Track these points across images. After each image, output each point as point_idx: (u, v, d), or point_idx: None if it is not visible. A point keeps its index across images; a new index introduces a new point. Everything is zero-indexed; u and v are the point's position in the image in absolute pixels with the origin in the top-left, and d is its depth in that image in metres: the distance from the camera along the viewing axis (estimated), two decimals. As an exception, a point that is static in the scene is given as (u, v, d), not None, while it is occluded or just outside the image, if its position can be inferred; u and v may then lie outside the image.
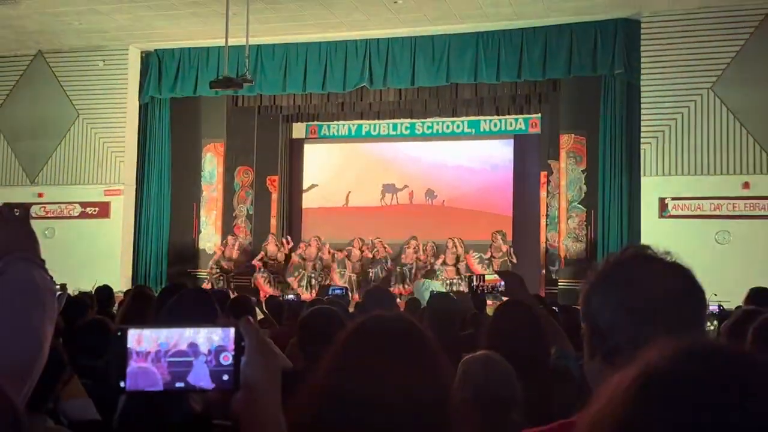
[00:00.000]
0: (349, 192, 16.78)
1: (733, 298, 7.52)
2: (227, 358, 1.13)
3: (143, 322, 4.45)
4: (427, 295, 8.41)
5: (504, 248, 14.12)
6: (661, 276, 1.42)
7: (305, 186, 17.16)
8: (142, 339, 1.12)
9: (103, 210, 14.93)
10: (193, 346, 1.13)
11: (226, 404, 2.28)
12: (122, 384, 1.11)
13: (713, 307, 7.92)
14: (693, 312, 1.42)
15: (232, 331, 1.13)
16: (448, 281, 13.94)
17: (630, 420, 0.66)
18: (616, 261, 1.48)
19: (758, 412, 0.64)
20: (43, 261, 1.45)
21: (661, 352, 0.70)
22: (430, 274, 14.04)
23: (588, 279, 1.47)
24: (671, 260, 1.50)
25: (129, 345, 1.11)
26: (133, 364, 1.11)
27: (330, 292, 9.44)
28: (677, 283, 1.43)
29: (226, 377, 1.12)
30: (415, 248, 14.67)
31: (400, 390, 1.35)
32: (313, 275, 14.67)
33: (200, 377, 1.13)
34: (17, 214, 1.47)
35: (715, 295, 9.11)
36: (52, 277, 1.45)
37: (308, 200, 17.10)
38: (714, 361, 0.68)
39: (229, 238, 15.28)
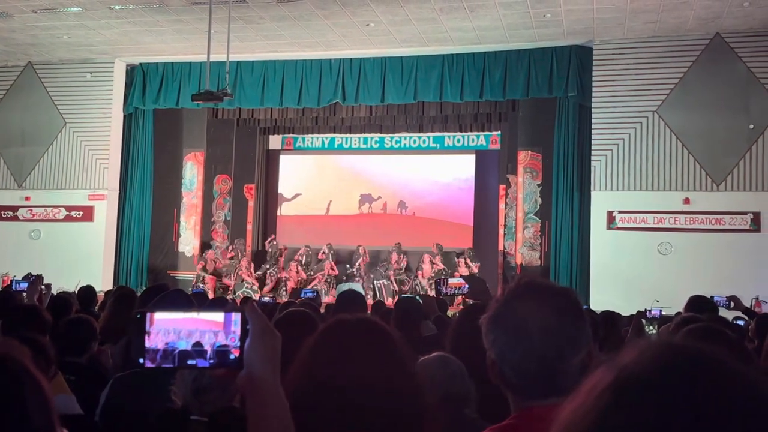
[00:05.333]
0: (330, 201, 16.72)
1: (674, 305, 7.62)
2: (234, 340, 1.17)
3: (126, 321, 4.39)
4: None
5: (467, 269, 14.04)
6: (540, 306, 1.50)
7: (289, 195, 17.05)
8: (154, 333, 1.17)
9: (87, 214, 14.71)
10: (198, 346, 1.18)
11: (202, 402, 2.25)
12: (141, 361, 1.17)
13: (655, 312, 8.04)
14: (567, 333, 1.49)
15: (239, 315, 1.18)
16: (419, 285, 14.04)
17: (602, 424, 0.63)
18: (505, 298, 1.56)
19: (729, 418, 0.61)
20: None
21: (635, 355, 0.67)
22: (351, 277, 13.95)
23: (485, 317, 1.53)
24: (554, 288, 1.57)
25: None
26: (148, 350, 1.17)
27: (302, 295, 9.41)
28: (552, 310, 1.50)
29: (232, 357, 1.17)
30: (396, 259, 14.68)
31: (367, 378, 1.38)
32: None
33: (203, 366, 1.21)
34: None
35: (657, 301, 9.27)
36: None
37: (290, 208, 16.99)
38: (687, 366, 0.65)
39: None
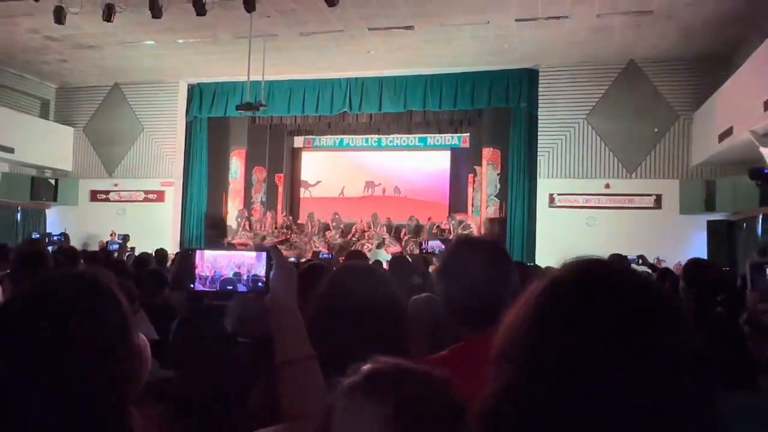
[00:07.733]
0: (344, 187, 16.66)
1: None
2: (262, 272, 1.20)
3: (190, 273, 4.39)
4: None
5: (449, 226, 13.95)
6: (476, 256, 1.45)
7: (312, 182, 16.94)
8: (202, 265, 1.19)
9: (159, 196, 14.69)
10: (237, 275, 1.20)
11: (247, 328, 2.25)
12: (192, 286, 1.19)
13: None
14: (502, 279, 1.44)
15: (264, 254, 1.21)
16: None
17: (540, 313, 0.64)
18: (448, 253, 1.49)
19: (622, 306, 0.63)
20: None
21: (563, 266, 0.68)
22: (381, 245, 13.89)
23: (434, 270, 1.49)
24: (484, 242, 1.51)
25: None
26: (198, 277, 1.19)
27: (320, 256, 9.43)
28: (486, 258, 1.45)
29: (260, 284, 1.20)
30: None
31: (369, 298, 1.38)
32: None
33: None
34: None
35: (586, 260, 9.31)
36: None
37: (312, 191, 16.91)
38: (595, 273, 0.67)
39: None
